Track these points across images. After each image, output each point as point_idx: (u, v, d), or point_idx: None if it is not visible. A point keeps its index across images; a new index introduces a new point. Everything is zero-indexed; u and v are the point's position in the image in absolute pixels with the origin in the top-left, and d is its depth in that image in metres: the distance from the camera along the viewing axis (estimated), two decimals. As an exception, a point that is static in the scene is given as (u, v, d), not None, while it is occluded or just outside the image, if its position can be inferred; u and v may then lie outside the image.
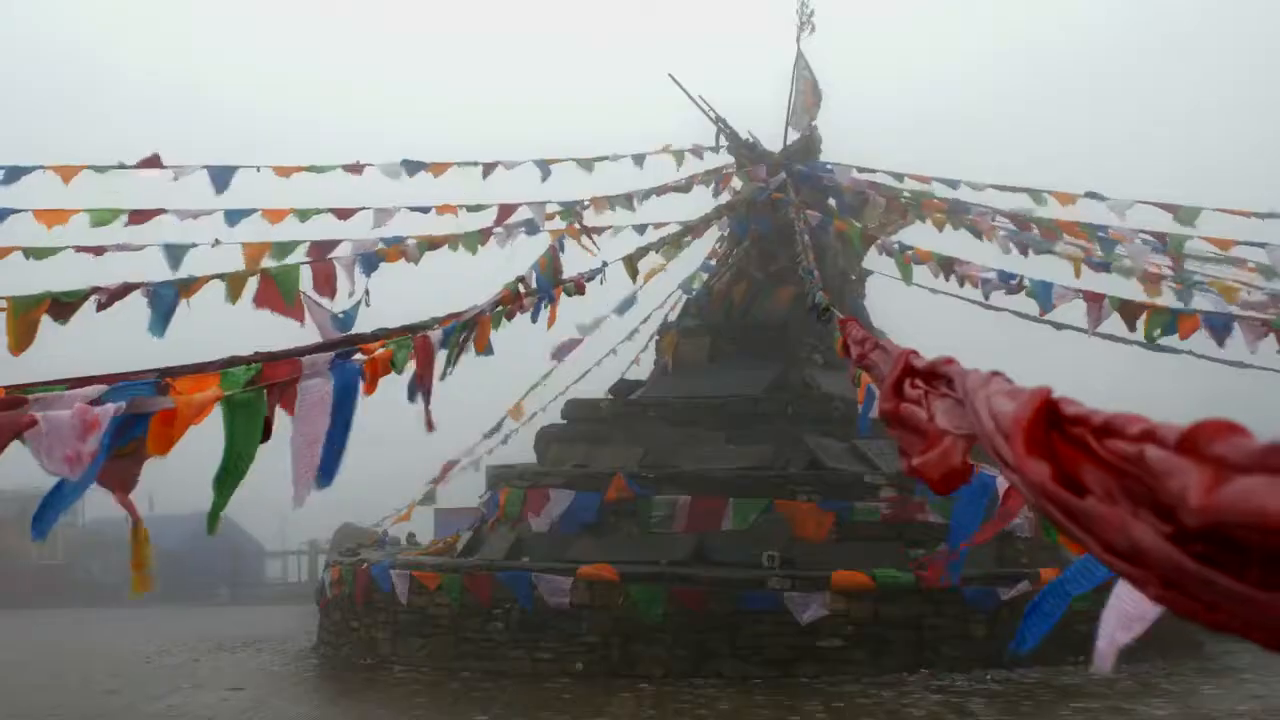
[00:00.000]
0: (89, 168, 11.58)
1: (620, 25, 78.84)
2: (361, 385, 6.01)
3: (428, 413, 7.58)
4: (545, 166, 15.73)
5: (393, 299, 11.59)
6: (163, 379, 5.52)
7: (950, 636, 13.69)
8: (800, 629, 13.32)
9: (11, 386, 5.72)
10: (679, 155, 18.07)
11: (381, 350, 6.58)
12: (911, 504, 15.07)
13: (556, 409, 19.25)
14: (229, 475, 5.00)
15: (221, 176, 12.55)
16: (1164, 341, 13.25)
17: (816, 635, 13.38)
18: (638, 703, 11.95)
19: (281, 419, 5.51)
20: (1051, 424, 1.63)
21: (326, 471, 5.61)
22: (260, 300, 10.51)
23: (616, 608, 13.63)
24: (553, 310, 11.81)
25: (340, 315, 11.12)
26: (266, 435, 5.22)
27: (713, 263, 20.30)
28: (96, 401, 4.87)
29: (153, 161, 11.98)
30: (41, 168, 11.42)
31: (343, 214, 13.33)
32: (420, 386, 7.33)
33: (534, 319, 11.32)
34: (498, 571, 14.49)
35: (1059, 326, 14.68)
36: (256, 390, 5.20)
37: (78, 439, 4.23)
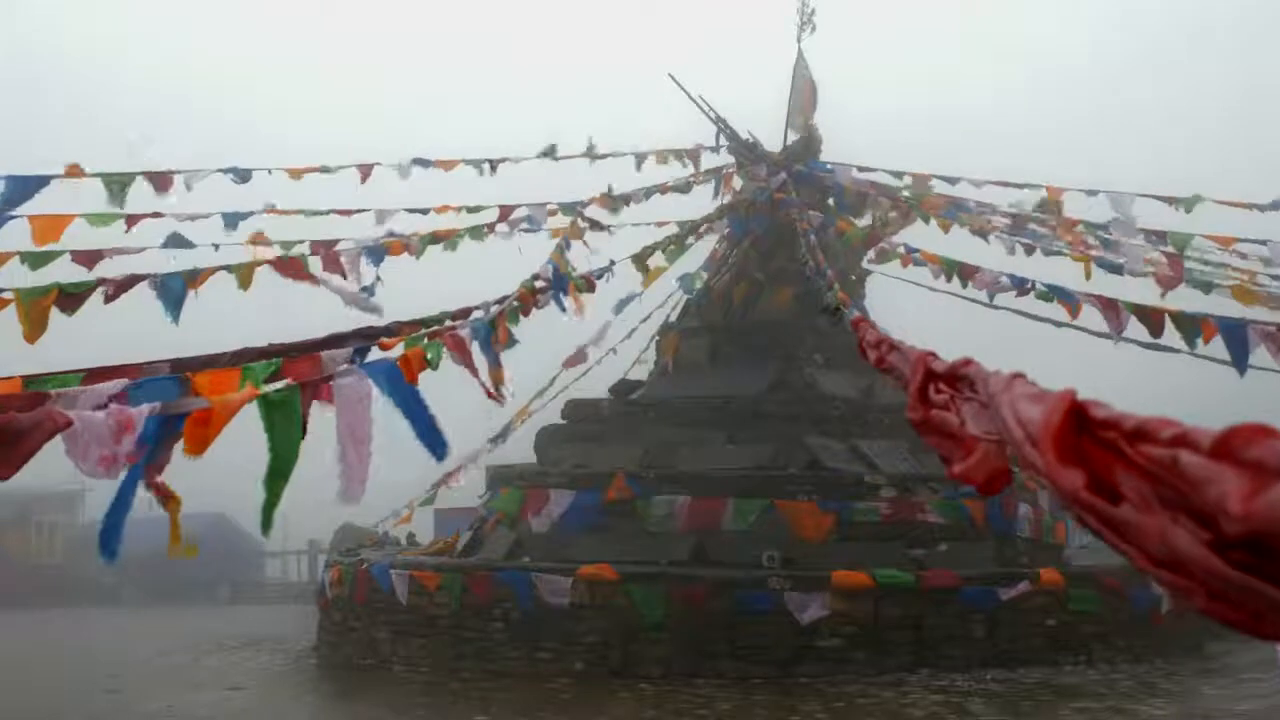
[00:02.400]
0: (99, 175, 11.54)
1: (620, 25, 78.88)
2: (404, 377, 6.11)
3: (494, 390, 7.87)
4: (552, 152, 15.85)
5: (395, 296, 11.62)
6: (183, 374, 5.55)
7: (950, 636, 13.68)
8: (800, 629, 13.31)
9: (30, 377, 5.76)
10: (677, 155, 18.10)
11: (411, 348, 6.66)
12: (911, 504, 15.07)
13: (557, 409, 19.24)
14: (276, 474, 5.06)
15: (240, 176, 12.60)
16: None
17: (816, 635, 13.38)
18: (638, 703, 11.95)
19: (315, 418, 5.57)
20: (1080, 428, 1.60)
21: (437, 446, 5.84)
22: (278, 268, 10.65)
23: (616, 608, 13.62)
24: (578, 301, 11.90)
25: (364, 290, 11.28)
26: (303, 433, 5.27)
27: (713, 262, 20.29)
28: (120, 396, 4.89)
29: (166, 181, 11.94)
30: (48, 177, 11.36)
31: (343, 215, 13.38)
32: (473, 373, 7.52)
33: (562, 309, 11.43)
34: (498, 571, 14.49)
35: (1060, 325, 14.64)
36: (290, 388, 5.25)
37: (114, 440, 4.25)
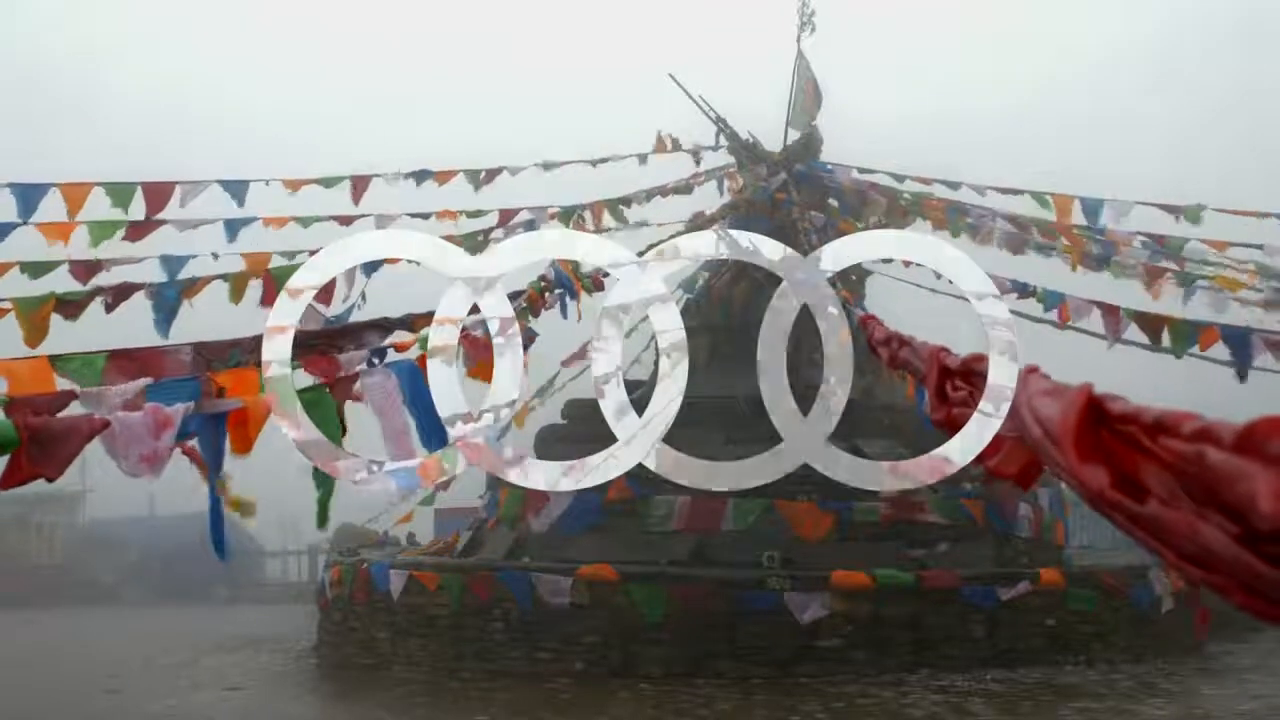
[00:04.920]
0: (102, 185, 11.54)
1: (619, 26, 78.86)
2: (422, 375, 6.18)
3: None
4: (553, 165, 15.85)
5: (394, 299, 11.61)
6: (204, 375, 5.59)
7: (950, 636, 13.69)
8: (800, 629, 13.32)
9: (56, 356, 5.82)
10: (675, 143, 18.14)
11: (420, 348, 6.76)
12: (911, 504, 15.07)
13: (557, 409, 19.23)
14: (324, 472, 5.09)
15: (237, 191, 12.59)
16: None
17: (816, 635, 13.39)
18: (638, 703, 11.96)
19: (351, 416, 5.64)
20: (1099, 423, 1.59)
21: (437, 441, 5.86)
22: (268, 300, 10.65)
23: (616, 608, 13.62)
24: (579, 305, 11.93)
25: (332, 320, 11.25)
26: (342, 429, 5.32)
27: (713, 263, 20.28)
28: (141, 397, 4.93)
29: (165, 190, 11.93)
30: (53, 185, 11.36)
31: (343, 221, 13.38)
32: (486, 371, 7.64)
33: (564, 314, 11.46)
34: (498, 571, 14.48)
35: (1063, 327, 14.65)
36: (320, 388, 5.30)
37: (152, 437, 4.28)
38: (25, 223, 11.11)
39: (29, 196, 11.06)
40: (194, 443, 4.76)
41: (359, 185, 13.78)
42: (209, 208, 12.65)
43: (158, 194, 11.86)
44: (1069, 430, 1.62)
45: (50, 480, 3.97)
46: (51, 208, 11.43)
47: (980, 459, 2.62)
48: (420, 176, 14.40)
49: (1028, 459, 2.35)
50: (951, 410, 2.69)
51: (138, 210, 11.82)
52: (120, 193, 11.50)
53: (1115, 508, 1.53)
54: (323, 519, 5.30)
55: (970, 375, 2.58)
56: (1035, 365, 2.18)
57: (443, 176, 14.76)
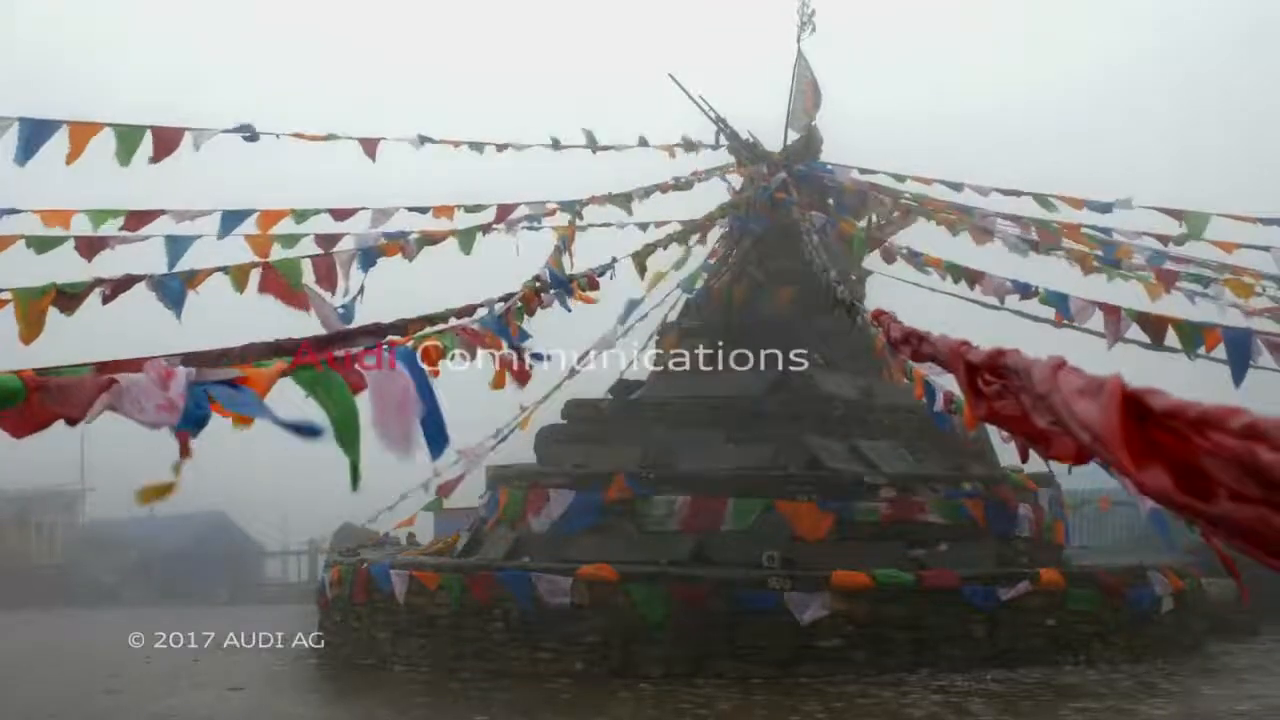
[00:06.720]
0: (112, 126, 11.30)
1: (619, 27, 78.86)
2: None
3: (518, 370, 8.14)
4: (557, 143, 15.88)
5: (391, 295, 11.62)
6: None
7: (950, 636, 13.68)
8: (800, 629, 13.31)
9: (39, 369, 5.77)
10: (674, 150, 18.17)
11: (429, 342, 6.71)
12: (911, 504, 15.07)
13: (556, 409, 19.23)
14: (347, 433, 4.99)
15: (246, 134, 12.32)
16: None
17: (816, 635, 13.38)
18: (638, 703, 11.95)
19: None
20: (1142, 420, 1.52)
21: (437, 441, 5.73)
22: (265, 287, 10.61)
23: (616, 608, 13.62)
24: (583, 296, 11.90)
25: (340, 310, 11.22)
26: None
27: (713, 262, 20.30)
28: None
29: (174, 136, 11.69)
30: (61, 122, 11.02)
31: (341, 214, 13.31)
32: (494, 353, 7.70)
33: (567, 308, 11.43)
34: (498, 571, 14.48)
35: (1060, 326, 14.65)
36: (309, 367, 5.23)
37: (161, 388, 4.25)
38: (25, 210, 11.07)
39: (36, 133, 10.64)
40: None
41: (368, 147, 13.64)
42: (205, 200, 12.60)
43: (167, 140, 11.52)
44: (1115, 434, 1.55)
45: (72, 422, 3.91)
46: (50, 187, 11.36)
47: (1035, 448, 2.60)
48: (420, 141, 14.32)
49: (1073, 451, 2.34)
50: (991, 407, 2.65)
51: (138, 191, 11.74)
52: (128, 136, 11.23)
53: (1185, 509, 1.48)
54: (355, 481, 5.12)
55: (997, 369, 2.54)
56: (1062, 358, 2.14)
57: (451, 143, 14.70)
